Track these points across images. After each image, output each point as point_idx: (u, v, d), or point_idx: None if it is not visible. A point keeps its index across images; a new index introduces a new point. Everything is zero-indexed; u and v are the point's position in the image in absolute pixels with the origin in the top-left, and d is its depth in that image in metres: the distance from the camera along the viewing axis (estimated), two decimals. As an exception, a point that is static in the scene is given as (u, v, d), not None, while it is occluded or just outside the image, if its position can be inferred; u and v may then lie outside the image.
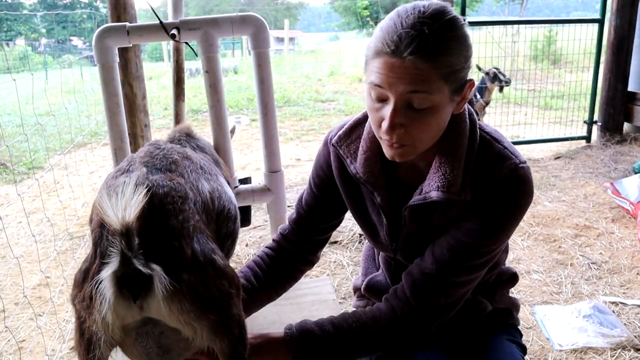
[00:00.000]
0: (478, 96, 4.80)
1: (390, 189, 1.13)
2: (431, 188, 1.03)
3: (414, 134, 0.96)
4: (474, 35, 5.02)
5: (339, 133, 1.17)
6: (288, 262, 1.29)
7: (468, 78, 0.96)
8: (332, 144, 1.17)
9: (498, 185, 1.00)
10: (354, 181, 1.15)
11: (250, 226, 3.17)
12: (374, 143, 1.09)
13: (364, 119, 1.15)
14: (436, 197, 1.02)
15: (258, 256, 1.31)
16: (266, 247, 1.33)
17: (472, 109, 1.08)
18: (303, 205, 1.28)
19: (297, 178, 4.35)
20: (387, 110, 0.94)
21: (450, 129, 1.02)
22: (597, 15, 4.87)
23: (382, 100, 0.95)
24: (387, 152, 1.01)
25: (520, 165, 1.01)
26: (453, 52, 0.90)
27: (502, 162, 1.01)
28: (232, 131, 2.08)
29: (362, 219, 1.21)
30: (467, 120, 1.04)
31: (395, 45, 0.89)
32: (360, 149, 1.12)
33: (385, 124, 0.95)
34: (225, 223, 1.19)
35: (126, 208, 0.78)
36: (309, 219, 1.27)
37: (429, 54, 0.88)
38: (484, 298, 1.23)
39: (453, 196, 1.00)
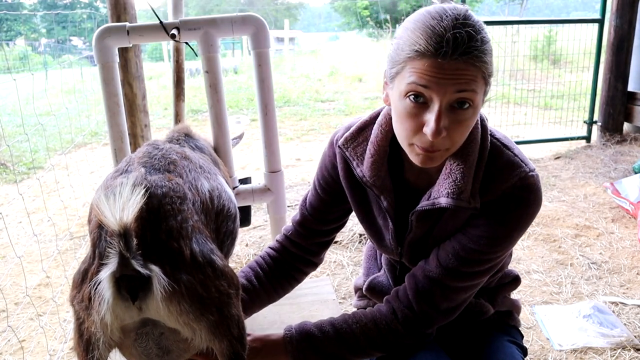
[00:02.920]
0: None
1: (397, 193, 1.12)
2: (440, 194, 1.02)
3: (454, 137, 0.94)
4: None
5: (345, 135, 1.15)
6: (291, 264, 1.29)
7: None
8: (339, 146, 1.15)
9: (507, 193, 1.00)
10: (360, 184, 1.14)
11: (250, 226, 3.17)
12: (382, 146, 1.08)
13: (371, 121, 1.13)
14: (445, 203, 1.01)
15: (260, 256, 1.30)
16: (269, 247, 1.32)
17: (483, 115, 1.08)
18: (307, 206, 1.27)
19: (297, 178, 4.35)
20: (430, 114, 0.91)
21: None
22: (597, 15, 4.87)
23: (421, 105, 0.92)
24: (416, 158, 0.98)
25: (530, 173, 1.00)
26: (490, 53, 0.92)
27: (511, 170, 1.00)
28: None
29: (368, 223, 1.20)
30: (479, 127, 1.03)
31: (443, 47, 0.87)
32: (367, 152, 1.10)
33: (430, 129, 0.91)
34: (225, 222, 1.19)
35: (124, 209, 0.77)
36: (313, 220, 1.26)
37: (479, 55, 0.89)
38: (486, 301, 1.22)
39: (463, 203, 0.99)
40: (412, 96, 0.92)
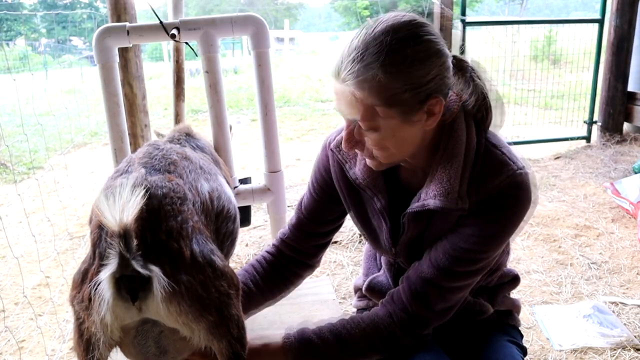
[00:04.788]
0: None
1: (391, 194, 1.12)
2: (429, 196, 1.02)
3: (372, 150, 0.98)
4: (474, 35, 5.02)
5: (337, 137, 1.15)
6: (287, 267, 1.29)
7: (434, 94, 0.93)
8: (331, 149, 1.16)
9: (496, 192, 0.99)
10: (354, 186, 1.15)
11: (250, 226, 3.17)
12: None
13: None
14: (434, 205, 1.01)
15: (257, 260, 1.30)
16: (265, 250, 1.32)
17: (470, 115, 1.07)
18: (302, 209, 1.27)
19: (297, 178, 4.35)
20: (344, 128, 0.98)
21: (447, 137, 1.02)
22: (597, 15, 4.87)
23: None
24: (366, 161, 1.05)
25: (519, 171, 0.99)
26: (393, 76, 0.88)
27: (500, 169, 1.00)
28: (229, 130, 2.08)
29: (363, 224, 1.20)
30: (464, 128, 1.03)
31: (337, 70, 0.92)
32: (359, 154, 1.11)
33: (342, 142, 0.99)
34: (225, 223, 1.19)
35: (124, 210, 0.77)
36: (309, 223, 1.26)
37: (361, 82, 0.89)
38: (486, 301, 1.22)
39: (451, 204, 0.99)
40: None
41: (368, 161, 1.04)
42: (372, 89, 0.89)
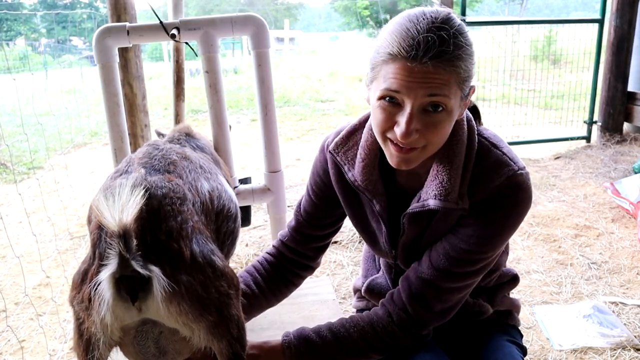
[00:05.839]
0: None
1: (389, 196, 1.12)
2: (429, 196, 1.02)
3: (428, 137, 0.94)
4: (474, 35, 5.02)
5: (335, 140, 1.15)
6: (288, 269, 1.29)
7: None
8: (329, 151, 1.15)
9: (496, 192, 0.99)
10: (353, 188, 1.14)
11: (250, 226, 3.17)
12: (372, 150, 1.09)
13: (360, 125, 1.14)
14: (434, 205, 1.01)
15: (258, 261, 1.31)
16: (266, 252, 1.33)
17: (469, 115, 1.08)
18: (301, 212, 1.27)
19: (297, 178, 4.35)
20: (402, 116, 0.92)
21: (449, 137, 1.02)
22: (597, 15, 4.87)
23: (395, 105, 0.93)
24: (393, 159, 0.99)
25: (519, 171, 1.00)
26: (467, 58, 0.90)
27: (500, 169, 1.00)
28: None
29: (362, 226, 1.20)
30: (465, 127, 1.03)
31: (413, 50, 0.88)
32: (358, 156, 1.11)
33: (400, 130, 0.92)
34: (225, 222, 1.19)
35: (123, 210, 0.77)
36: (308, 226, 1.26)
37: (450, 59, 0.88)
38: (485, 301, 1.22)
39: (450, 204, 0.99)
40: (387, 98, 0.94)
41: (402, 158, 0.97)
42: (458, 67, 0.90)
